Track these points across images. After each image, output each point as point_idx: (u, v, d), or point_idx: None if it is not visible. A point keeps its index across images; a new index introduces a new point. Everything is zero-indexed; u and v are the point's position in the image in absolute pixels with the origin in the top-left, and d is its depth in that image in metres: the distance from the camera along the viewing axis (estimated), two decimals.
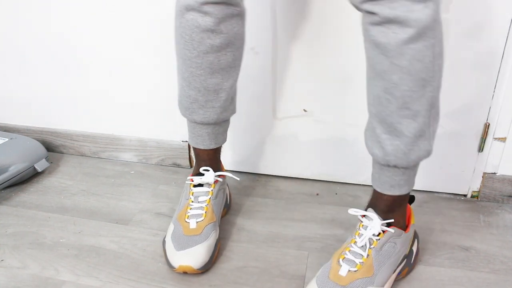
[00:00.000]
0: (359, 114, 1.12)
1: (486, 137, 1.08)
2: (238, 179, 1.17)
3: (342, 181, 1.22)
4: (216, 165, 0.99)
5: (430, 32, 0.67)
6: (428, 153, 0.77)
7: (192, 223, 0.91)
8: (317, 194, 1.17)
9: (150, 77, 1.21)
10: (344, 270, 0.78)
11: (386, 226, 0.82)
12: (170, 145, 1.27)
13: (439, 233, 1.02)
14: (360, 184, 1.21)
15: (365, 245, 0.81)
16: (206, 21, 0.81)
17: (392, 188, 0.81)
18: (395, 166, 0.78)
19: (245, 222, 1.05)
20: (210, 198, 0.95)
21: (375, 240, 0.81)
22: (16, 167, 1.15)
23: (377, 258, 0.80)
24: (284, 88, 1.13)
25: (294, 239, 0.99)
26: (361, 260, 0.79)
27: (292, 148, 1.20)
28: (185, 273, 0.88)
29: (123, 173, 1.26)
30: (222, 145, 0.99)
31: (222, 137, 0.96)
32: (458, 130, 1.09)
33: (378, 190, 0.83)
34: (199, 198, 0.95)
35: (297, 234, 1.01)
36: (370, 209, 0.84)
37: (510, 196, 1.13)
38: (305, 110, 1.15)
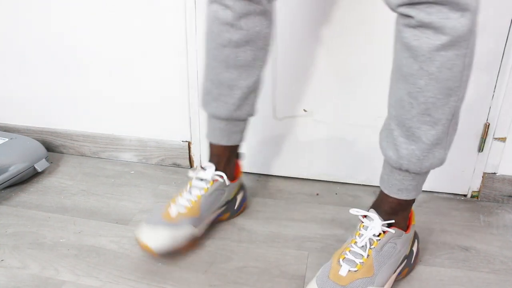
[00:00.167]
0: (359, 114, 1.12)
1: (486, 137, 1.08)
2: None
3: (342, 181, 1.22)
4: (225, 165, 0.98)
5: (463, 42, 0.66)
6: (441, 162, 0.77)
7: (173, 212, 0.91)
8: (317, 194, 1.17)
9: (150, 77, 1.21)
10: (344, 270, 0.78)
11: (386, 227, 0.82)
12: (170, 145, 1.27)
13: (439, 233, 1.02)
14: (360, 184, 1.21)
15: (366, 245, 0.81)
16: (227, 14, 0.81)
17: (399, 192, 0.81)
18: (406, 171, 0.78)
19: (245, 222, 1.05)
20: (202, 195, 0.94)
21: (375, 241, 0.81)
22: (16, 167, 1.15)
23: (377, 259, 0.80)
24: (284, 88, 1.13)
25: (294, 239, 0.99)
26: (361, 260, 0.79)
27: (292, 148, 1.20)
28: (146, 251, 0.87)
29: (123, 173, 1.26)
30: (239, 147, 0.99)
31: (235, 136, 0.96)
32: (458, 130, 1.09)
33: (385, 192, 0.82)
34: (193, 191, 0.95)
35: (297, 234, 1.01)
36: (371, 209, 0.84)
37: (510, 196, 1.13)
38: (305, 110, 1.15)
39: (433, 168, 0.77)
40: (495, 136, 1.08)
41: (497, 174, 1.12)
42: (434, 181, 1.16)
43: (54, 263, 0.92)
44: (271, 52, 0.92)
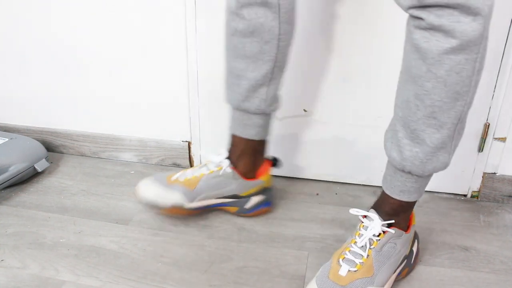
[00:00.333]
0: (359, 114, 1.12)
1: (486, 137, 1.08)
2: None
3: (342, 181, 1.22)
4: (239, 157, 0.99)
5: (474, 47, 0.65)
6: (445, 166, 0.76)
7: (174, 177, 0.99)
8: (317, 194, 1.17)
9: (150, 77, 1.21)
10: (344, 270, 0.78)
11: (386, 227, 0.82)
12: (170, 145, 1.27)
13: (439, 233, 1.02)
14: (360, 184, 1.21)
15: (365, 245, 0.81)
16: (232, 3, 0.85)
17: (401, 193, 0.81)
18: (409, 173, 0.77)
19: (245, 222, 1.05)
20: (205, 174, 0.98)
21: (375, 241, 0.81)
22: (16, 167, 1.15)
23: (377, 259, 0.80)
24: (284, 88, 1.13)
25: (294, 239, 0.99)
26: (361, 260, 0.79)
27: (292, 148, 1.20)
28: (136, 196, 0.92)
29: (123, 173, 1.26)
30: (260, 145, 0.99)
31: (250, 130, 0.96)
32: None
33: (387, 192, 0.82)
34: (200, 169, 0.99)
35: (297, 234, 1.01)
36: (372, 210, 0.84)
37: (510, 196, 1.13)
38: (305, 110, 1.15)
39: (436, 171, 0.77)
40: (495, 136, 1.08)
41: (497, 174, 1.12)
42: (434, 181, 1.16)
43: (54, 263, 0.92)
44: (289, 51, 0.91)
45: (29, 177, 1.21)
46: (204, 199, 0.99)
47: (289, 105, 1.15)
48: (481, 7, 0.63)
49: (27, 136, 1.36)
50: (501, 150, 1.09)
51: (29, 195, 1.15)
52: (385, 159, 0.83)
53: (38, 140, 1.34)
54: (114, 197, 1.15)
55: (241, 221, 1.05)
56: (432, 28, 0.65)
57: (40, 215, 1.07)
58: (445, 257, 0.95)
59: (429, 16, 0.64)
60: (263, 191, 1.04)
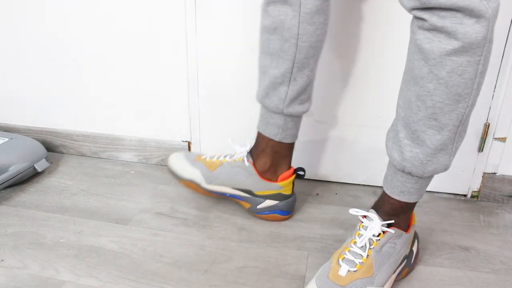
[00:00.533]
0: (359, 114, 1.12)
1: (486, 137, 1.08)
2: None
3: (342, 181, 1.22)
4: (259, 154, 1.00)
5: (477, 49, 0.65)
6: (445, 168, 0.76)
7: (202, 157, 1.06)
8: (317, 194, 1.17)
9: (150, 77, 1.21)
10: (343, 270, 0.78)
11: (386, 227, 0.82)
12: (170, 145, 1.27)
13: (439, 233, 1.02)
14: (360, 184, 1.21)
15: (365, 245, 0.81)
16: (263, 0, 0.87)
17: (401, 194, 0.81)
18: (409, 173, 0.77)
19: (245, 222, 1.05)
20: (226, 162, 1.02)
21: (375, 241, 0.81)
22: (16, 167, 1.15)
23: (377, 259, 0.80)
24: None
25: (294, 239, 0.99)
26: (360, 260, 0.79)
27: None
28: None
29: (123, 173, 1.26)
30: (283, 147, 0.99)
31: (271, 128, 0.97)
32: None
33: (388, 192, 0.82)
34: (226, 156, 1.04)
35: (297, 234, 1.01)
36: (371, 210, 0.84)
37: (510, 196, 1.13)
38: None
39: (437, 173, 0.76)
40: (495, 136, 1.08)
41: (497, 174, 1.12)
42: (434, 181, 1.16)
43: (54, 263, 0.92)
44: (314, 55, 0.89)
45: (29, 177, 1.21)
46: (220, 184, 1.02)
47: None
48: (485, 10, 0.62)
49: (27, 136, 1.36)
50: (501, 150, 1.09)
51: (29, 195, 1.15)
52: (385, 159, 0.83)
53: (38, 140, 1.35)
54: (114, 197, 1.15)
55: (241, 221, 1.05)
56: (435, 29, 0.65)
57: (40, 215, 1.07)
58: (445, 257, 0.95)
59: (432, 17, 0.64)
60: (280, 197, 1.02)
